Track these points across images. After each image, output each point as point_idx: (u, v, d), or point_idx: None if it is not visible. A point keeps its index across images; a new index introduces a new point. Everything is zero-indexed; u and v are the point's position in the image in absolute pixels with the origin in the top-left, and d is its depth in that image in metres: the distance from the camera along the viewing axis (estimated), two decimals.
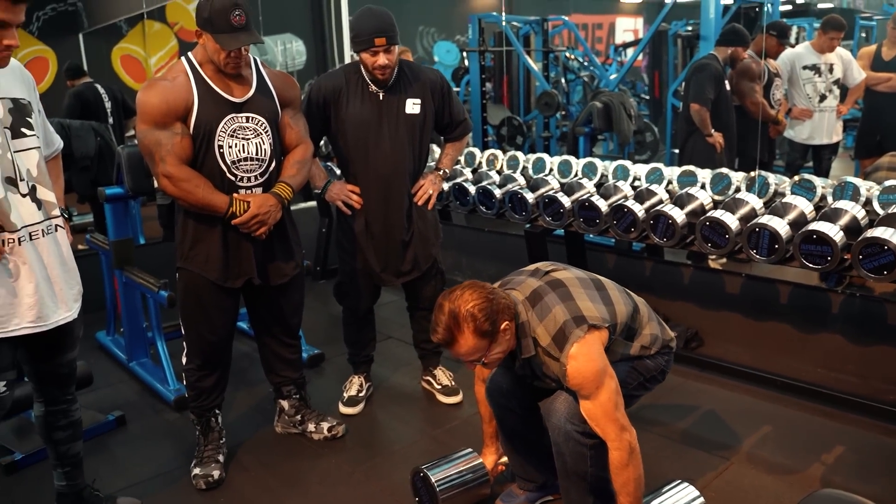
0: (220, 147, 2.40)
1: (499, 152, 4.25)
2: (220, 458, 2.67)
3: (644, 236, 3.08)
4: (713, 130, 4.60)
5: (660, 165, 3.60)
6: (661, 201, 3.13)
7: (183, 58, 2.45)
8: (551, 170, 3.87)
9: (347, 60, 5.74)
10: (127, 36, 9.33)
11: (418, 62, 9.66)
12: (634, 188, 3.35)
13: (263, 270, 2.58)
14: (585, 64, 10.10)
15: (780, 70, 5.04)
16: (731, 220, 2.80)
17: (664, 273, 3.82)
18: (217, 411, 2.72)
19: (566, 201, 3.33)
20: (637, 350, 2.11)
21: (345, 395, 3.17)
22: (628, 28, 13.81)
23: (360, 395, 3.18)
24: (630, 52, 11.05)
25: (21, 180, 1.92)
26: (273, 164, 2.52)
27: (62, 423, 2.24)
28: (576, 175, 3.75)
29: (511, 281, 2.11)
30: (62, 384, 2.21)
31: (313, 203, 5.04)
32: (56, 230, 2.04)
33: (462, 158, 4.39)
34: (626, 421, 1.94)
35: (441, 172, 3.09)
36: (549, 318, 1.96)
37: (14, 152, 1.91)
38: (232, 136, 2.41)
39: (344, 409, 3.11)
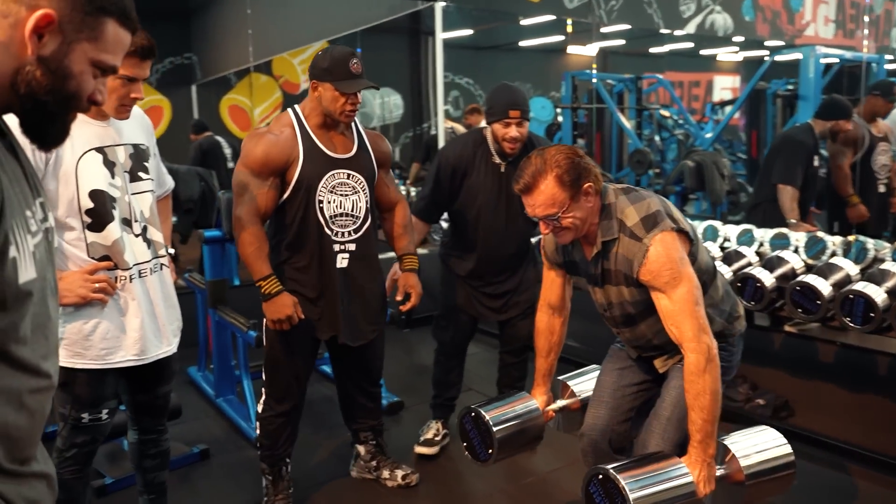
0: (321, 202, 2.49)
1: None
2: None
3: None
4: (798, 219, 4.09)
5: (751, 227, 3.53)
6: (749, 263, 3.06)
7: (290, 110, 2.54)
8: None
9: (441, 115, 5.89)
10: (235, 87, 9.91)
11: None
12: (723, 249, 3.29)
13: (350, 329, 2.62)
14: (680, 122, 10.01)
15: (889, 132, 4.79)
16: (824, 286, 2.72)
17: (753, 338, 3.69)
18: (288, 460, 2.74)
19: None
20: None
21: (421, 437, 3.22)
22: (726, 86, 13.61)
23: (437, 439, 3.21)
24: (727, 110, 10.88)
25: (135, 221, 2.07)
26: (368, 222, 2.59)
27: (152, 452, 2.36)
28: None
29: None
30: (156, 415, 2.32)
31: None
32: (161, 268, 2.18)
33: None
34: (707, 324, 1.85)
35: None
36: (642, 203, 1.94)
37: (131, 195, 2.06)
38: (332, 191, 2.50)
39: (419, 449, 3.16)
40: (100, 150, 1.99)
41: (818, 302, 2.70)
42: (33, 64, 1.00)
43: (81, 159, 1.95)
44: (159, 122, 9.44)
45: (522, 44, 12.90)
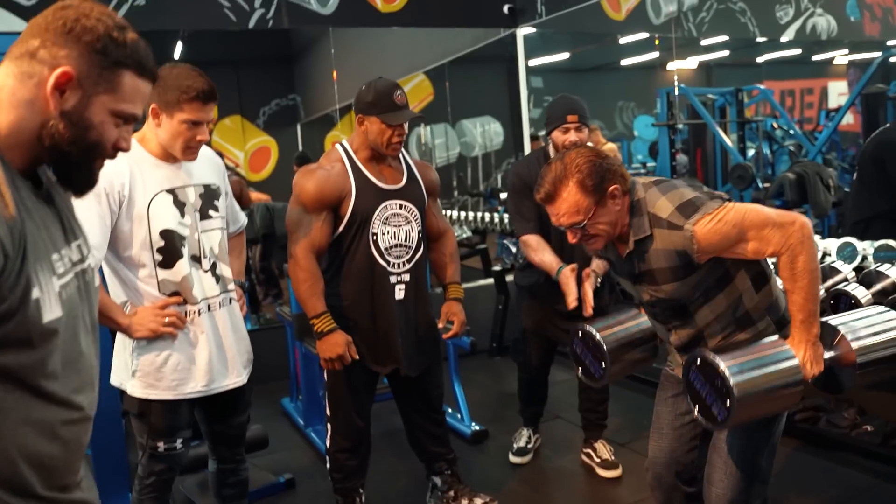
0: (374, 234, 2.51)
1: None
2: None
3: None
4: None
5: (852, 240, 3.29)
6: (844, 279, 2.85)
7: (338, 145, 2.57)
8: None
9: (527, 141, 5.90)
10: (338, 125, 10.24)
11: (617, 137, 9.60)
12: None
13: (410, 360, 2.63)
14: (791, 133, 9.53)
15: None
16: None
17: None
18: (361, 490, 2.75)
19: None
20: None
21: (514, 445, 3.32)
22: (843, 92, 12.85)
23: (529, 446, 3.32)
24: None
25: (204, 257, 2.17)
26: (420, 251, 2.60)
27: (231, 481, 2.43)
28: None
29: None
30: (232, 444, 2.40)
31: (490, 280, 5.14)
32: (231, 302, 2.27)
33: None
34: (783, 215, 1.71)
35: None
36: (674, 193, 1.80)
37: (201, 232, 2.17)
38: (385, 223, 2.52)
39: (514, 459, 3.31)
40: (170, 191, 2.10)
41: None
42: (56, 118, 1.08)
43: (153, 201, 2.07)
44: (267, 162, 9.87)
45: (623, 62, 12.71)
